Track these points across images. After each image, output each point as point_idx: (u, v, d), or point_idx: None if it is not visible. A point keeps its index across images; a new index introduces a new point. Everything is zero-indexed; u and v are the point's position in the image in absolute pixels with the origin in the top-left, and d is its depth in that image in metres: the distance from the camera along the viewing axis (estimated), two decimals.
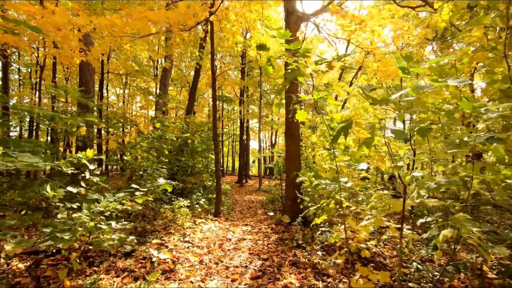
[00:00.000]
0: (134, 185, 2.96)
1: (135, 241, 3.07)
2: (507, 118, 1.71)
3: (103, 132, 13.36)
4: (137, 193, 2.88)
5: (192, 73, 12.84)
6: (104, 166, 15.42)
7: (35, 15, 5.04)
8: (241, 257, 3.68)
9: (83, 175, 2.94)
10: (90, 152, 3.17)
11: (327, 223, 4.87)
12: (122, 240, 2.71)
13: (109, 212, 2.83)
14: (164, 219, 5.07)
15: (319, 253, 3.85)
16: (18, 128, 17.09)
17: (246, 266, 3.36)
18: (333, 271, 3.18)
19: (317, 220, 3.63)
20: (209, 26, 7.45)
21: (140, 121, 19.13)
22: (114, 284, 2.63)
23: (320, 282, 2.94)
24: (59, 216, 2.84)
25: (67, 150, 13.33)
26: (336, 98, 11.84)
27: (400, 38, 5.42)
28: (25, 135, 16.50)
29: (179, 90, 20.03)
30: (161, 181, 3.24)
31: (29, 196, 3.24)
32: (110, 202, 2.83)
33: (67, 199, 3.36)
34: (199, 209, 6.32)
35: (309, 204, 5.28)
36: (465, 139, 1.80)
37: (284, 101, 5.54)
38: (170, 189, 3.16)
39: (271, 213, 6.90)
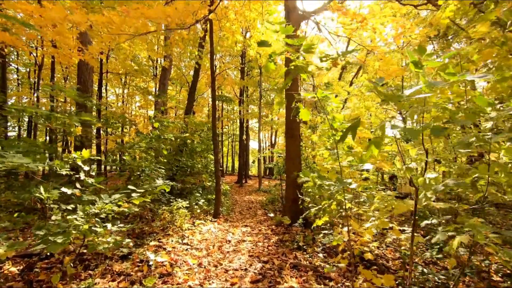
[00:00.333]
0: (130, 186, 2.88)
1: (131, 244, 2.99)
2: None
3: (102, 132, 13.26)
4: (133, 194, 2.79)
5: (192, 72, 12.77)
6: (103, 167, 15.33)
7: (32, 13, 4.96)
8: (241, 260, 3.60)
9: (77, 176, 2.86)
10: (85, 152, 3.09)
11: (328, 224, 4.79)
12: (118, 243, 2.63)
13: (104, 214, 2.74)
14: (163, 221, 4.98)
15: (321, 255, 3.77)
16: (17, 128, 17.03)
17: (246, 269, 3.28)
18: (335, 275, 3.10)
19: (318, 222, 3.55)
20: (208, 25, 7.38)
21: (140, 121, 19.04)
22: None
23: (322, 286, 2.86)
24: (53, 218, 2.76)
25: (66, 150, 13.24)
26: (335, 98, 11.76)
27: (401, 37, 5.35)
28: (24, 135, 16.41)
29: (178, 90, 19.94)
30: (159, 181, 3.16)
31: (23, 197, 3.16)
32: (105, 203, 2.75)
33: (63, 200, 3.28)
34: (198, 210, 6.24)
35: (310, 205, 5.20)
36: (472, 138, 1.72)
37: (285, 99, 5.46)
38: (168, 190, 3.08)
39: (271, 214, 6.82)
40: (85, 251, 2.76)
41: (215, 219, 5.90)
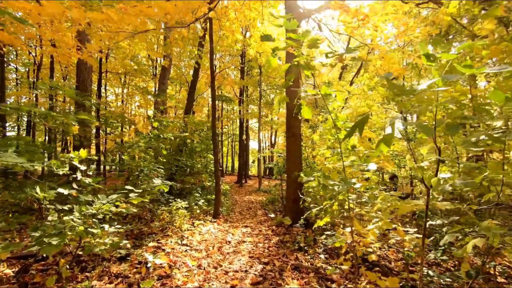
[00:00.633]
0: (128, 186, 2.82)
1: (128, 245, 2.92)
2: None
3: (101, 132, 13.20)
4: (131, 194, 2.73)
5: (191, 72, 12.71)
6: (102, 167, 15.29)
7: (31, 12, 4.91)
8: (241, 261, 3.54)
9: (74, 175, 2.80)
10: (83, 152, 3.02)
11: (330, 225, 4.73)
12: (115, 244, 2.57)
13: (102, 215, 2.68)
14: (162, 221, 4.92)
15: (322, 256, 3.71)
16: (16, 128, 16.96)
17: (246, 271, 3.22)
18: (337, 276, 3.04)
19: (320, 222, 3.50)
20: (208, 24, 7.32)
21: (139, 121, 18.98)
22: None
23: None
24: (49, 218, 2.70)
25: (65, 150, 13.16)
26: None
27: (403, 35, 5.29)
28: (23, 135, 16.34)
29: (178, 90, 19.87)
30: (157, 181, 3.10)
31: (20, 197, 3.09)
32: (103, 204, 2.69)
33: (60, 201, 3.21)
34: (198, 210, 6.18)
35: (311, 205, 5.14)
36: (481, 136, 1.66)
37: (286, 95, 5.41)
38: (166, 190, 3.02)
39: (272, 215, 6.76)
40: (81, 252, 2.70)
41: (215, 220, 5.84)
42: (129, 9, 4.14)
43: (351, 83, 12.99)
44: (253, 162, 25.79)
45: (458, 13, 3.66)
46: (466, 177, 1.87)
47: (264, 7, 8.32)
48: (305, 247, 4.04)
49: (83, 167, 2.78)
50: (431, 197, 1.63)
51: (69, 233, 2.20)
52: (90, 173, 3.46)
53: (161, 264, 3.04)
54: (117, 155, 11.39)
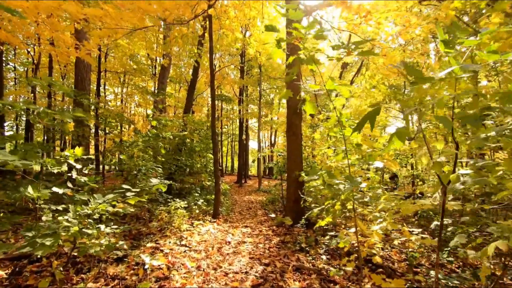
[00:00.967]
0: (125, 185, 2.74)
1: (125, 246, 2.84)
2: None
3: (100, 132, 13.12)
4: (128, 193, 2.65)
5: (191, 72, 12.64)
6: (101, 166, 15.20)
7: (28, 9, 4.82)
8: (241, 262, 3.46)
9: (69, 174, 2.72)
10: (78, 150, 2.94)
11: (331, 225, 4.66)
12: (111, 245, 2.48)
13: (98, 215, 2.60)
14: (160, 221, 4.84)
15: (324, 257, 3.64)
16: (14, 128, 16.88)
17: (246, 272, 3.14)
18: (340, 278, 2.97)
19: (321, 222, 3.42)
20: (207, 22, 7.24)
21: (138, 120, 18.90)
22: None
23: None
24: (43, 218, 2.62)
25: (64, 150, 13.06)
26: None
27: (405, 33, 5.21)
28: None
29: (177, 89, 19.79)
30: (155, 181, 3.02)
31: (14, 197, 3.01)
32: (99, 203, 2.60)
33: (56, 200, 3.13)
34: (197, 210, 6.09)
35: (312, 205, 5.07)
36: (491, 133, 1.58)
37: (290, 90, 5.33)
38: (164, 189, 2.93)
39: (272, 215, 6.68)
40: (76, 254, 2.62)
41: (215, 220, 5.76)
42: (126, 4, 4.07)
43: (351, 82, 12.93)
44: (253, 161, 25.70)
45: (464, 7, 3.59)
46: (475, 175, 1.79)
47: (264, 6, 8.24)
48: (307, 248, 3.97)
49: (78, 166, 2.70)
50: (440, 196, 1.55)
51: (63, 233, 2.12)
52: (86, 171, 3.37)
53: (159, 265, 2.95)
54: (116, 155, 11.32)
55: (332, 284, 2.85)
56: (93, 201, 2.64)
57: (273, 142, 26.39)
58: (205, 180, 8.40)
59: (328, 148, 4.61)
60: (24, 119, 15.05)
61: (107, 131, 13.28)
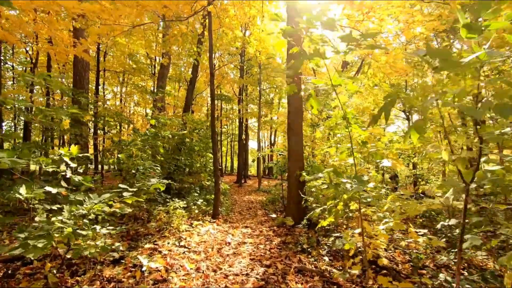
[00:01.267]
0: (122, 185, 2.65)
1: (122, 248, 2.76)
2: None
3: (99, 131, 13.01)
4: (125, 193, 2.57)
5: (190, 71, 12.56)
6: (100, 166, 15.09)
7: (26, 8, 4.75)
8: (242, 264, 3.37)
9: (63, 173, 2.63)
10: (74, 149, 2.85)
11: (333, 225, 4.57)
12: (107, 247, 2.40)
13: (93, 215, 2.51)
14: (159, 222, 4.75)
15: (326, 258, 3.55)
16: (13, 127, 16.76)
17: (247, 274, 3.05)
18: (343, 280, 2.88)
19: (323, 223, 3.33)
20: (207, 20, 7.16)
21: (137, 120, 18.80)
22: None
23: None
24: (36, 219, 2.52)
25: None
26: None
27: (408, 30, 5.13)
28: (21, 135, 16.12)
29: (177, 88, 19.69)
30: (153, 180, 2.93)
31: (8, 197, 2.93)
32: (95, 203, 2.52)
33: (51, 201, 3.04)
34: (196, 210, 6.00)
35: (314, 205, 4.98)
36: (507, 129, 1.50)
37: (287, 93, 5.25)
38: (162, 189, 2.85)
39: (273, 215, 6.59)
40: (70, 256, 2.53)
41: (214, 220, 5.67)
42: (124, 1, 3.98)
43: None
44: (253, 161, 25.63)
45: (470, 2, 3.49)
46: (501, 171, 1.70)
47: (264, 4, 8.16)
48: (308, 249, 3.88)
49: (73, 165, 2.61)
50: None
51: (56, 235, 2.03)
52: (81, 170, 3.28)
53: (157, 267, 2.86)
54: (115, 154, 11.20)
55: (335, 287, 2.77)
56: (89, 201, 2.55)
57: (273, 141, 26.30)
58: (205, 179, 8.31)
59: (330, 147, 4.52)
60: (23, 118, 14.95)
61: (106, 131, 13.17)
